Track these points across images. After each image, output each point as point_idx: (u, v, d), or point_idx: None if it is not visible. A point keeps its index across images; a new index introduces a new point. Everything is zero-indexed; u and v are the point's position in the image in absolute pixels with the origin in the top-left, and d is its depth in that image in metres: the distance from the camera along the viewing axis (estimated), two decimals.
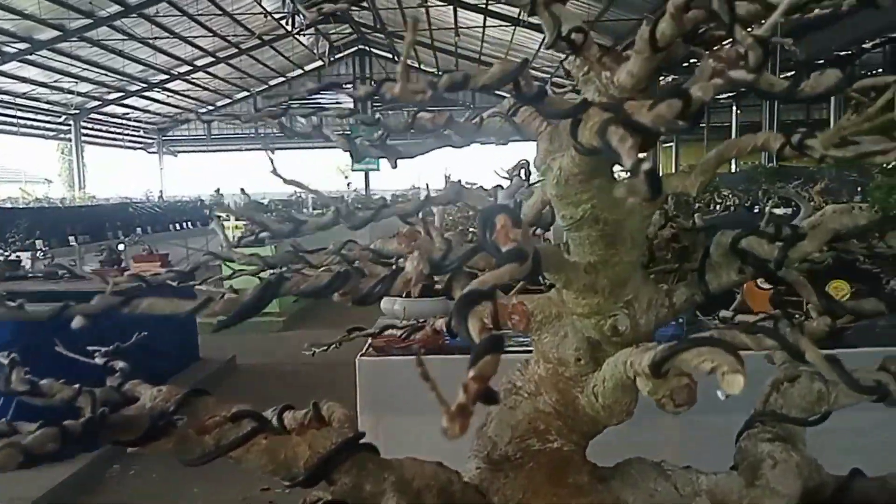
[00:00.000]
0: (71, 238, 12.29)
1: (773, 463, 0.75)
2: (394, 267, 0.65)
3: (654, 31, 0.56)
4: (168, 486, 4.91)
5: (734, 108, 32.49)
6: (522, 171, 0.95)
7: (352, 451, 0.66)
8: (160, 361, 7.01)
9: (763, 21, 0.58)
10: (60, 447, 0.54)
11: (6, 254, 6.42)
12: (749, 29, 0.50)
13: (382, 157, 0.73)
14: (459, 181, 0.76)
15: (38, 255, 9.07)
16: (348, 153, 0.71)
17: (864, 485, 0.79)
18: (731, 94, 30.15)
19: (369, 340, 3.16)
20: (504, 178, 0.95)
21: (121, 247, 9.98)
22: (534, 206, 0.78)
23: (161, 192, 32.60)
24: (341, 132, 0.75)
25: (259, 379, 7.95)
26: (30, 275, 7.41)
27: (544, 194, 0.74)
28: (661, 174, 0.75)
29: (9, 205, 15.91)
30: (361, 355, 2.98)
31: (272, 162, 0.70)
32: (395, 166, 0.75)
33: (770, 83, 0.68)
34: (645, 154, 0.36)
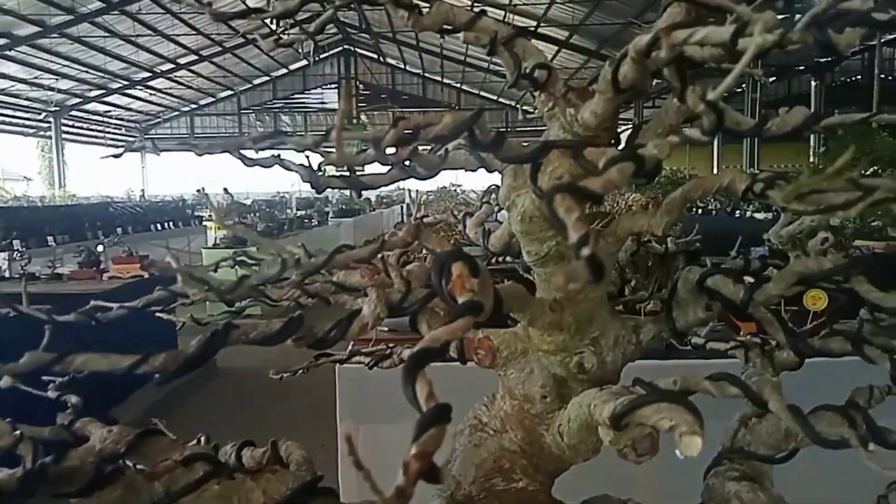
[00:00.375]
0: (49, 238, 12.11)
1: (739, 503, 0.74)
2: (351, 307, 0.63)
3: (616, 73, 0.54)
4: None
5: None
6: (492, 197, 0.93)
7: (308, 496, 0.64)
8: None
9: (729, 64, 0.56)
10: None
11: None
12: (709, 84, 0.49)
13: (345, 188, 0.71)
14: (445, 186, 0.75)
15: (14, 255, 8.91)
16: (309, 183, 0.69)
17: None
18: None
19: (350, 346, 3.14)
20: (474, 203, 0.93)
21: (99, 248, 9.82)
22: (501, 237, 0.76)
23: (143, 190, 32.25)
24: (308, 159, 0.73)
25: (240, 381, 7.89)
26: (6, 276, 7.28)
27: (511, 226, 0.72)
28: (626, 214, 0.73)
29: None
30: (341, 364, 2.95)
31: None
32: (359, 195, 0.73)
33: (737, 122, 0.67)
34: (587, 234, 0.34)
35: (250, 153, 0.67)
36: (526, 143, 0.54)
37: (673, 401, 0.49)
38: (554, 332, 0.72)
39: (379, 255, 0.64)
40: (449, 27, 0.60)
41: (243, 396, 7.06)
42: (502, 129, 0.53)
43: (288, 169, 0.69)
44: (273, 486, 0.64)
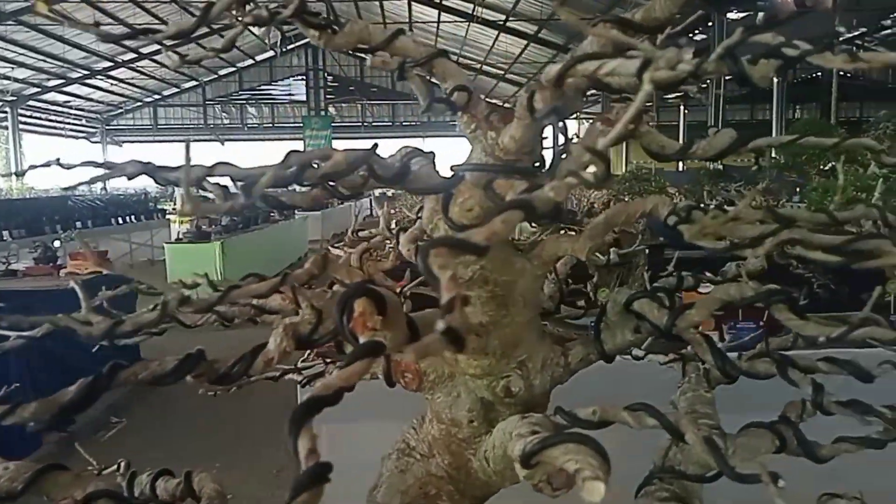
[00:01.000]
0: (5, 233, 11.73)
1: None
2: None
3: (531, 100, 0.52)
4: None
5: (682, 108, 33.39)
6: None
7: None
8: (99, 364, 6.77)
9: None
10: None
11: None
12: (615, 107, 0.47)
13: (270, 209, 0.69)
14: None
15: None
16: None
17: None
18: (678, 95, 30.98)
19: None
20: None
21: (56, 243, 9.55)
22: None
23: (105, 184, 31.50)
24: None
25: (199, 385, 7.78)
26: None
27: None
28: (552, 238, 0.72)
29: None
30: (301, 361, 2.92)
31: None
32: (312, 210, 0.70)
33: (661, 146, 0.66)
34: (453, 301, 0.32)
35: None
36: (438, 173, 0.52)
37: (581, 442, 0.48)
38: (479, 356, 0.70)
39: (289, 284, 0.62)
40: (364, 46, 0.58)
41: (203, 399, 6.97)
42: (409, 163, 0.50)
43: (204, 189, 0.65)
44: None
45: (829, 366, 0.72)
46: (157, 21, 23.50)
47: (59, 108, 32.34)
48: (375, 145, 0.51)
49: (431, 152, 0.69)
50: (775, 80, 26.38)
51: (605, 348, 0.73)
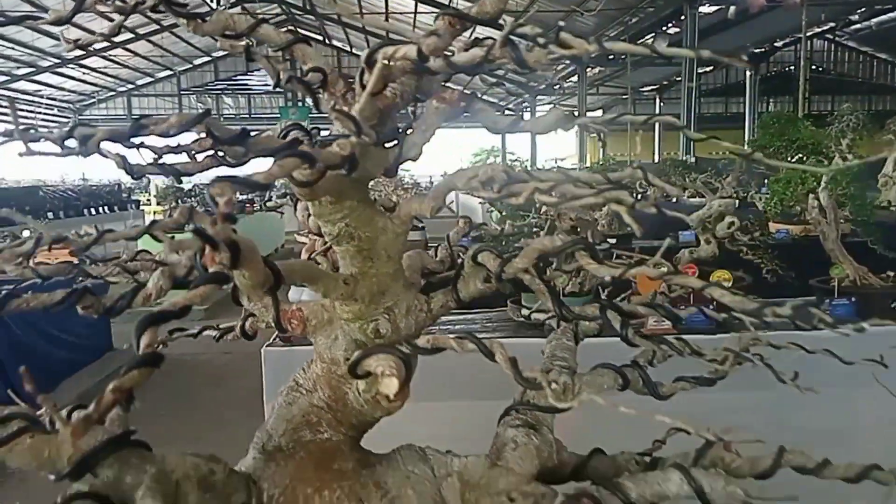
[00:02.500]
0: None
1: (514, 446, 0.86)
2: (136, 283, 0.72)
3: (361, 78, 0.64)
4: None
5: (657, 100, 33.66)
6: None
7: (116, 448, 0.72)
8: (69, 353, 6.72)
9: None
10: None
11: None
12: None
13: (162, 174, 0.79)
14: None
15: None
16: None
17: (599, 462, 0.91)
18: (654, 87, 31.30)
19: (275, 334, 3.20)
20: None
21: (25, 233, 9.52)
22: (307, 222, 0.86)
23: (83, 174, 31.05)
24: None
25: (176, 370, 7.81)
26: None
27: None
28: (406, 199, 0.84)
29: None
30: (267, 345, 3.01)
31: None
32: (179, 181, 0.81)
33: (494, 121, 0.78)
34: (214, 222, 0.44)
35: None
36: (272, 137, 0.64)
37: (388, 353, 0.60)
38: (350, 302, 0.82)
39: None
40: (230, 34, 0.69)
41: (176, 383, 7.01)
42: (247, 128, 0.62)
43: (104, 156, 0.76)
44: (85, 440, 0.72)
45: (646, 309, 0.85)
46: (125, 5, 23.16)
47: (30, 98, 31.74)
48: (208, 110, 0.62)
49: (314, 129, 0.80)
50: (748, 73, 26.60)
51: (461, 296, 0.85)
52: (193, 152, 0.75)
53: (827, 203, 4.61)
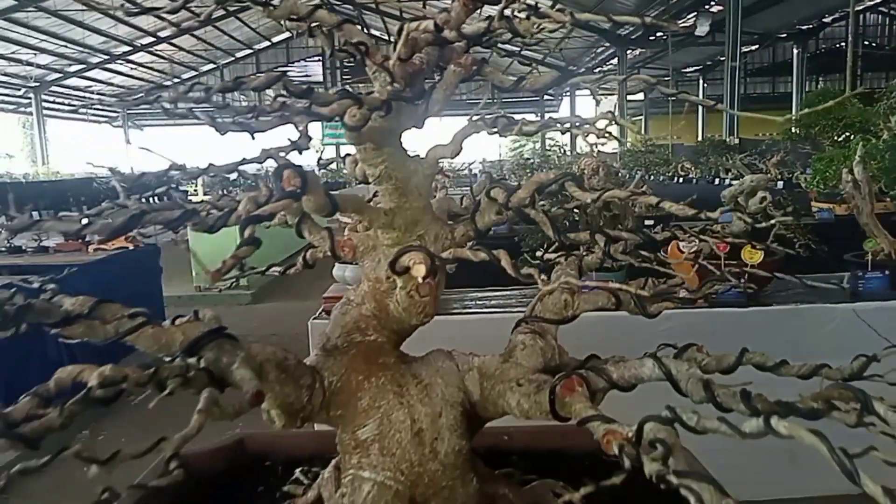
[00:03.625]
0: (35, 213, 12.20)
1: (523, 347, 1.06)
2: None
3: (395, 49, 0.85)
4: (136, 448, 5.24)
5: (701, 80, 32.74)
6: None
7: (214, 337, 0.95)
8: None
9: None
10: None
11: None
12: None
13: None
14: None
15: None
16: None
17: (595, 363, 1.11)
18: (697, 68, 30.60)
19: (322, 305, 3.46)
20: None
21: (84, 221, 10.07)
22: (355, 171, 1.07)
23: (132, 167, 32.12)
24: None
25: None
26: None
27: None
28: (434, 145, 1.05)
29: None
30: (314, 319, 3.26)
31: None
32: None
33: (500, 81, 0.98)
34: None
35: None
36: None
37: (418, 250, 0.81)
38: (389, 230, 1.03)
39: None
40: (294, 17, 0.90)
41: None
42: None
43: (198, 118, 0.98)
44: (190, 331, 0.96)
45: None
46: (174, 4, 23.79)
47: (81, 93, 32.90)
48: (284, 73, 0.82)
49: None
50: (795, 50, 25.70)
51: (478, 225, 1.05)
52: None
53: (861, 177, 4.64)
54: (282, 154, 0.90)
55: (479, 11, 0.85)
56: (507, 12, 0.77)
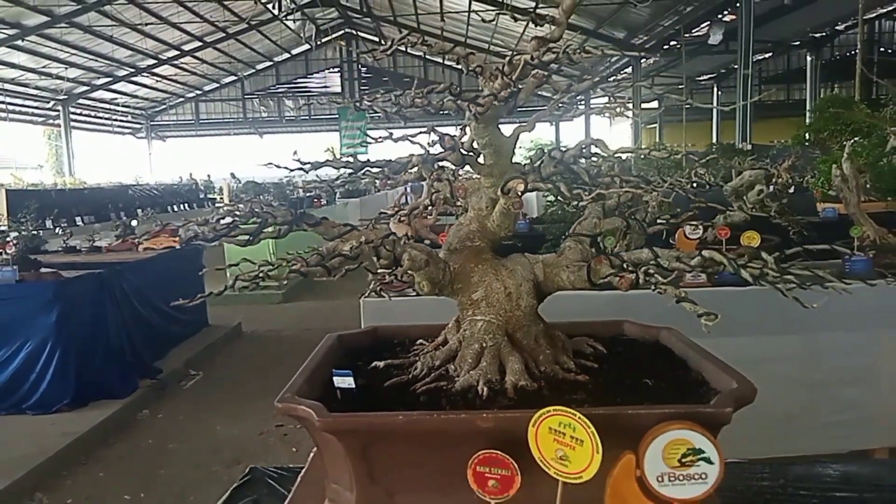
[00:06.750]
0: (78, 218, 12.88)
1: (570, 248, 1.74)
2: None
3: (503, 66, 1.54)
4: (193, 426, 5.71)
5: (715, 88, 32.83)
6: None
7: (389, 239, 1.62)
8: (175, 327, 7.71)
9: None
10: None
11: (26, 232, 7.09)
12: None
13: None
14: None
15: (57, 231, 9.92)
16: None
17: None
18: (711, 76, 30.84)
19: (371, 284, 4.14)
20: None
21: (133, 223, 10.89)
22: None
23: (156, 178, 33.01)
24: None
25: (262, 343, 8.80)
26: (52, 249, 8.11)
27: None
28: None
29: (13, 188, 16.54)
30: (364, 297, 3.83)
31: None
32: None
33: (555, 89, 1.67)
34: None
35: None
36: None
37: (519, 177, 1.49)
38: (489, 178, 1.72)
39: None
40: (442, 52, 1.59)
41: (266, 354, 7.92)
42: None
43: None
44: (377, 234, 1.64)
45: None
46: (197, 19, 24.67)
47: (107, 106, 33.77)
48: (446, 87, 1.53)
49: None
50: (808, 58, 25.78)
51: (542, 175, 1.74)
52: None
53: (849, 171, 5.30)
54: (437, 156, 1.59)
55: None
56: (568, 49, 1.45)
